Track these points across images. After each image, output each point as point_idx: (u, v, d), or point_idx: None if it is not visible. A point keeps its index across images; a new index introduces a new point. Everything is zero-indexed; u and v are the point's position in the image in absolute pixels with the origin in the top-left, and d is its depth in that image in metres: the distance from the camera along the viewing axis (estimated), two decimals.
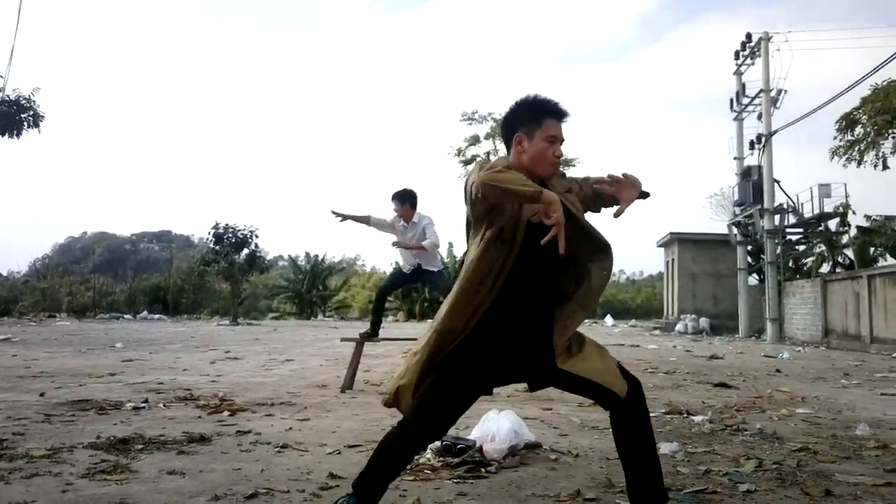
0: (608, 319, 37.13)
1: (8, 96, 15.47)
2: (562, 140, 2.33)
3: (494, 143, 29.66)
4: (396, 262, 6.60)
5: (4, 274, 48.69)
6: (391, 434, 2.30)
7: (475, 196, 2.12)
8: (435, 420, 2.27)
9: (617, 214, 2.34)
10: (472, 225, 2.28)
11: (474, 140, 29.83)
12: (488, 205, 2.16)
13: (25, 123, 15.68)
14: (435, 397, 2.25)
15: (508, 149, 2.38)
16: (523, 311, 2.27)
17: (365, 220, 6.43)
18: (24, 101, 15.55)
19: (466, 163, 29.84)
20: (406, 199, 6.24)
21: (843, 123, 23.48)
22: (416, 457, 2.62)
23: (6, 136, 15.61)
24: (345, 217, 6.36)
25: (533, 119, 2.30)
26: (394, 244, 6.38)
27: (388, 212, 6.45)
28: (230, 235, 30.63)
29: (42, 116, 15.81)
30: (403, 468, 2.36)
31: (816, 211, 21.59)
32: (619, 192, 2.39)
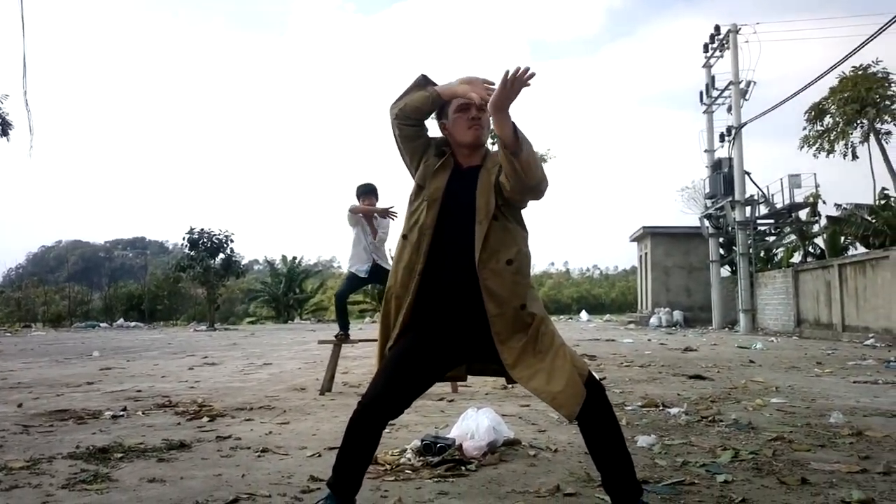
0: (583, 315, 37.49)
1: None
2: (478, 106, 2.35)
3: None
4: (349, 268, 6.66)
5: None
6: (353, 414, 2.34)
7: (395, 136, 2.44)
8: (388, 389, 2.31)
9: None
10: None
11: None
12: (407, 140, 2.42)
13: None
14: (387, 367, 2.36)
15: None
16: (456, 272, 2.33)
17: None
18: None
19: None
20: (370, 192, 6.47)
21: (813, 113, 23.98)
22: (395, 452, 2.63)
23: None
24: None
25: (445, 103, 2.44)
26: (352, 209, 6.44)
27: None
28: (205, 240, 30.35)
29: (10, 125, 15.56)
30: (371, 451, 2.34)
31: (787, 201, 21.99)
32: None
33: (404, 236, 2.40)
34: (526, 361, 2.28)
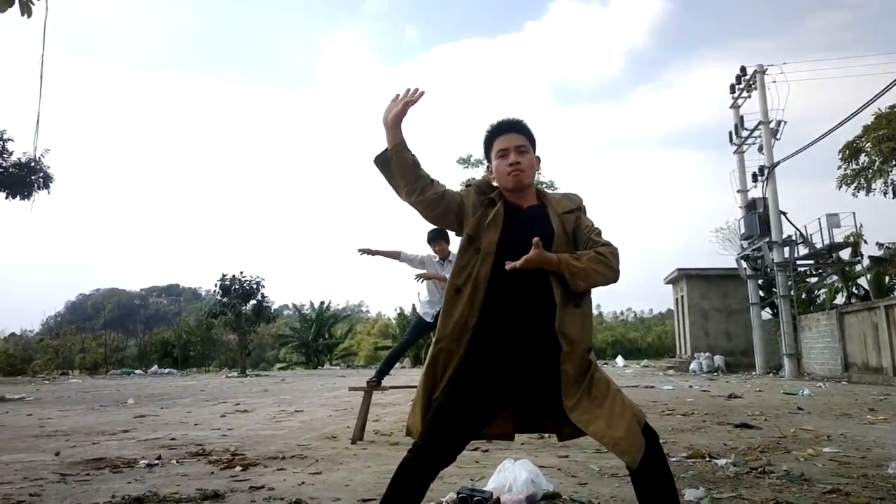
0: (619, 360, 36.74)
1: (19, 159, 15.74)
2: (518, 149, 2.41)
3: (493, 184, 30.01)
4: (415, 312, 6.59)
5: (18, 333, 48.88)
6: (404, 460, 2.27)
7: (427, 218, 2.48)
8: (443, 440, 2.26)
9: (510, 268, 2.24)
10: None
11: (469, 183, 30.10)
12: (435, 208, 2.40)
13: (35, 185, 15.90)
14: (441, 416, 2.28)
15: None
16: (514, 324, 2.29)
17: (395, 256, 6.52)
18: (34, 164, 15.81)
19: None
20: (439, 236, 6.37)
21: (847, 152, 23.58)
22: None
23: (17, 198, 15.83)
24: (374, 253, 6.40)
25: (487, 147, 2.50)
26: (418, 276, 6.43)
27: (417, 249, 6.61)
28: (237, 287, 30.72)
29: (52, 178, 16.05)
30: (420, 496, 2.25)
31: (826, 241, 21.49)
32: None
33: (458, 289, 2.32)
34: (583, 406, 2.22)
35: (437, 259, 6.42)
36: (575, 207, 2.46)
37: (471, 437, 2.33)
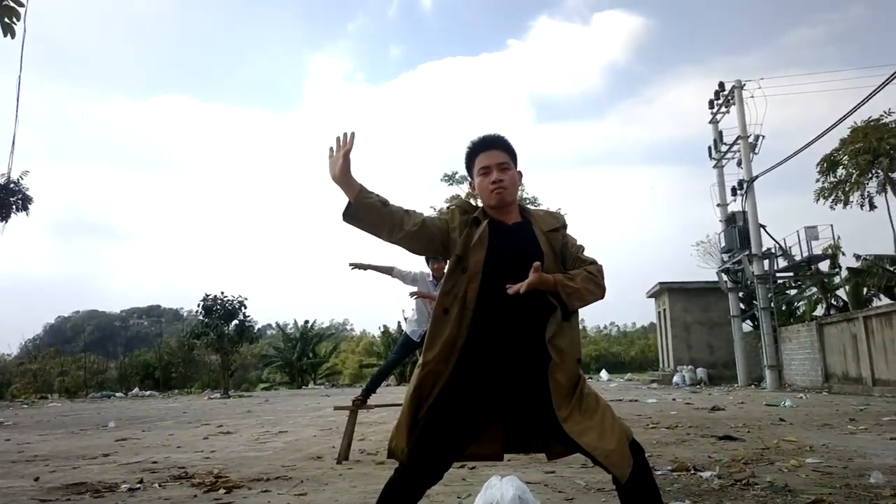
0: (603, 374, 36.84)
1: None
2: (499, 166, 2.42)
3: (476, 202, 30.14)
4: (401, 330, 6.62)
5: None
6: (390, 480, 2.27)
7: (415, 252, 2.53)
8: (430, 459, 2.25)
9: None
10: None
11: (451, 204, 30.30)
12: (421, 241, 2.41)
13: (14, 207, 15.74)
14: (427, 435, 2.27)
15: None
16: (504, 340, 2.30)
17: (387, 271, 6.50)
18: (12, 185, 15.65)
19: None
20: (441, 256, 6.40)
21: (825, 165, 23.99)
22: None
23: None
24: (366, 267, 6.37)
25: (469, 164, 2.52)
26: (412, 294, 6.43)
27: (412, 266, 6.63)
28: (219, 307, 30.43)
29: (31, 199, 15.90)
30: None
31: (805, 254, 21.80)
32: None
33: (445, 310, 2.33)
34: (575, 417, 2.24)
35: (431, 278, 6.43)
36: (560, 226, 2.48)
37: (457, 455, 2.33)
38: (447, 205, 30.09)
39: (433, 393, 2.32)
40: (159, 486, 4.99)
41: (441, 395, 2.31)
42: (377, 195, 2.35)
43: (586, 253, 2.46)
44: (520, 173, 2.54)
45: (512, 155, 2.49)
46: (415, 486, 2.24)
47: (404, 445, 2.32)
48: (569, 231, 2.51)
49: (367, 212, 2.32)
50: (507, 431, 2.47)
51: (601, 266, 2.41)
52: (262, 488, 4.78)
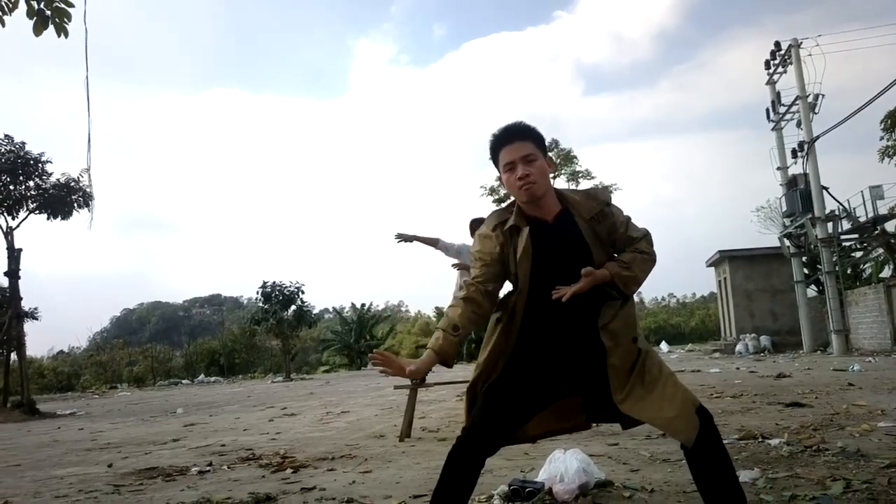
0: (663, 346, 36.16)
1: (58, 180, 16.14)
2: (525, 159, 2.28)
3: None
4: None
5: (66, 350, 50.24)
6: (452, 448, 2.28)
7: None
8: (490, 422, 2.26)
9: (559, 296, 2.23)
10: None
11: (479, 224, 30.07)
12: (497, 273, 2.38)
13: (75, 204, 16.28)
14: (487, 401, 2.30)
15: None
16: (556, 334, 2.31)
17: (433, 243, 6.49)
18: (72, 184, 16.19)
19: (500, 201, 29.88)
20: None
21: (889, 122, 22.84)
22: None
23: (58, 218, 16.23)
24: (411, 238, 6.39)
25: (494, 159, 2.38)
26: (454, 266, 6.44)
27: (454, 239, 6.59)
28: (277, 293, 31.10)
29: (92, 197, 16.37)
30: (469, 490, 2.25)
31: (870, 214, 20.88)
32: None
33: (498, 320, 2.35)
34: (636, 394, 2.22)
35: None
36: (602, 205, 2.34)
37: (516, 422, 2.32)
38: (498, 183, 29.84)
39: (491, 377, 2.36)
40: (228, 467, 5.15)
41: (503, 368, 2.35)
42: (444, 334, 2.29)
43: (634, 222, 2.38)
44: (551, 160, 2.41)
45: (538, 142, 2.34)
46: (475, 452, 2.24)
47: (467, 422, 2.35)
48: (613, 204, 2.39)
49: (455, 348, 2.30)
50: (585, 402, 2.47)
51: (649, 234, 2.36)
52: (328, 467, 4.87)
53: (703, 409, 2.20)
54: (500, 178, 2.42)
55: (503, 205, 2.49)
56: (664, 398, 2.18)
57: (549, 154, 2.44)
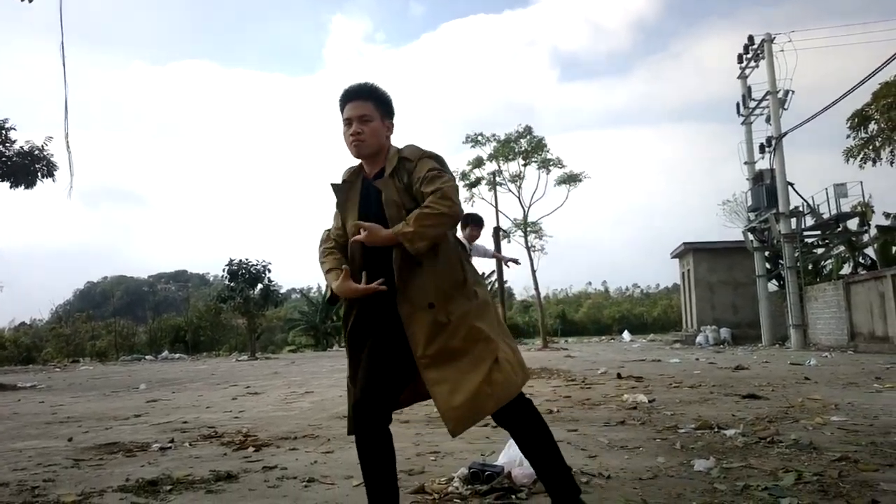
0: (625, 335, 36.79)
1: (21, 147, 15.66)
2: (361, 118, 2.42)
3: (498, 163, 29.66)
4: None
5: (27, 322, 49.20)
6: (349, 432, 2.44)
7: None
8: (355, 393, 2.40)
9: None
10: None
11: (478, 162, 29.78)
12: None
13: (39, 173, 15.83)
14: (354, 375, 2.48)
15: None
16: (379, 299, 2.37)
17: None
18: (37, 152, 15.73)
19: (471, 185, 29.79)
20: (469, 221, 6.72)
21: (856, 120, 23.33)
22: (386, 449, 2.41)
23: (21, 186, 15.79)
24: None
25: (341, 112, 2.50)
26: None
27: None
28: (244, 271, 30.79)
29: (56, 166, 15.94)
30: (388, 464, 2.37)
31: (833, 212, 21.38)
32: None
33: (352, 274, 2.45)
34: (438, 366, 2.28)
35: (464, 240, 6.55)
36: (404, 163, 2.42)
37: (372, 385, 2.36)
38: (470, 167, 29.82)
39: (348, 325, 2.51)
40: (190, 445, 5.12)
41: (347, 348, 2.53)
42: (324, 257, 2.57)
43: (439, 176, 2.33)
44: (391, 124, 2.51)
45: (380, 104, 2.46)
46: (356, 424, 2.36)
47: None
48: (426, 159, 2.40)
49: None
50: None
51: (447, 187, 2.28)
52: (290, 446, 4.87)
53: (522, 397, 2.43)
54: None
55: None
56: (460, 382, 2.25)
57: (393, 119, 2.54)
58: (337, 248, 2.56)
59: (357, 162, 2.56)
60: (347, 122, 2.45)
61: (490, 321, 2.38)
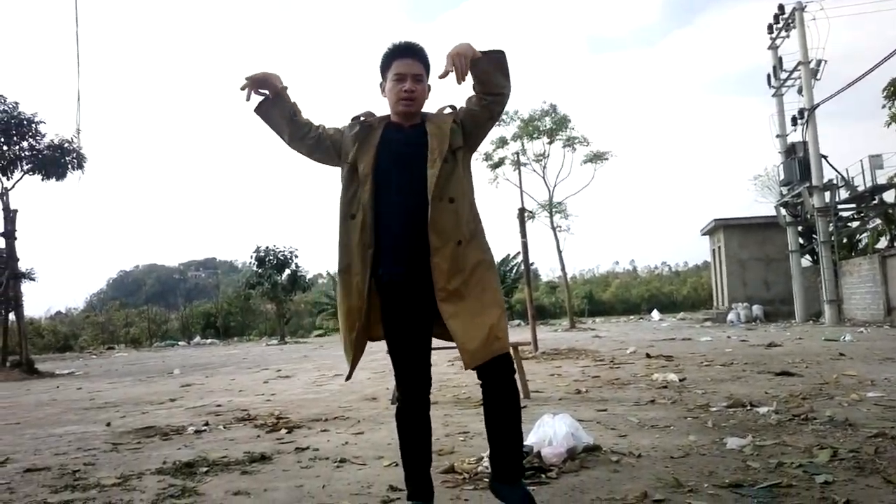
0: (654, 314, 36.42)
1: (52, 140, 15.94)
2: (415, 77, 2.46)
3: (522, 143, 29.35)
4: None
5: (63, 311, 50.36)
6: (396, 413, 2.58)
7: (313, 159, 2.64)
8: (405, 372, 2.53)
9: (443, 75, 2.33)
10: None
11: (502, 142, 29.43)
12: (318, 151, 2.58)
13: (69, 166, 16.09)
14: (393, 357, 2.56)
15: None
16: (400, 240, 2.42)
17: None
18: (66, 145, 16.00)
19: (495, 166, 29.45)
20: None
21: (892, 90, 22.67)
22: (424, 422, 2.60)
23: (53, 179, 16.08)
24: None
25: (385, 65, 2.51)
26: None
27: None
28: (271, 258, 31.09)
29: (85, 158, 16.19)
30: (423, 441, 2.55)
31: (869, 184, 20.84)
32: (459, 69, 2.34)
33: (352, 216, 2.44)
34: (454, 301, 2.36)
35: None
36: (451, 111, 2.52)
37: (420, 357, 2.53)
38: (494, 147, 29.49)
39: (360, 302, 2.45)
40: (224, 427, 5.22)
41: (385, 324, 2.52)
42: (294, 105, 2.54)
43: None
44: (429, 87, 2.55)
45: (427, 67, 2.52)
46: (408, 404, 2.55)
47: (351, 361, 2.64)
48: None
49: (278, 114, 2.53)
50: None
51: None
52: (322, 428, 4.94)
53: (507, 356, 2.42)
54: (381, 87, 2.56)
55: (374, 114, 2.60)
56: (473, 325, 2.33)
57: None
58: (315, 132, 2.56)
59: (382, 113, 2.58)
60: (400, 78, 2.45)
61: (497, 280, 2.51)
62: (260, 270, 31.31)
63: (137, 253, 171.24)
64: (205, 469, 3.65)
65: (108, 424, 5.76)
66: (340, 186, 2.51)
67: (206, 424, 5.35)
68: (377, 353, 15.34)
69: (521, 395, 5.79)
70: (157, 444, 4.66)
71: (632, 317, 40.75)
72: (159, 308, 49.04)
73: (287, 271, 31.65)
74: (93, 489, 3.35)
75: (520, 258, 28.37)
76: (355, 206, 2.44)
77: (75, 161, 16.18)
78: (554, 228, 29.37)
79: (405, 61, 2.45)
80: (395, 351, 2.54)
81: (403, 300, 2.46)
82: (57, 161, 15.96)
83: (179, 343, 34.47)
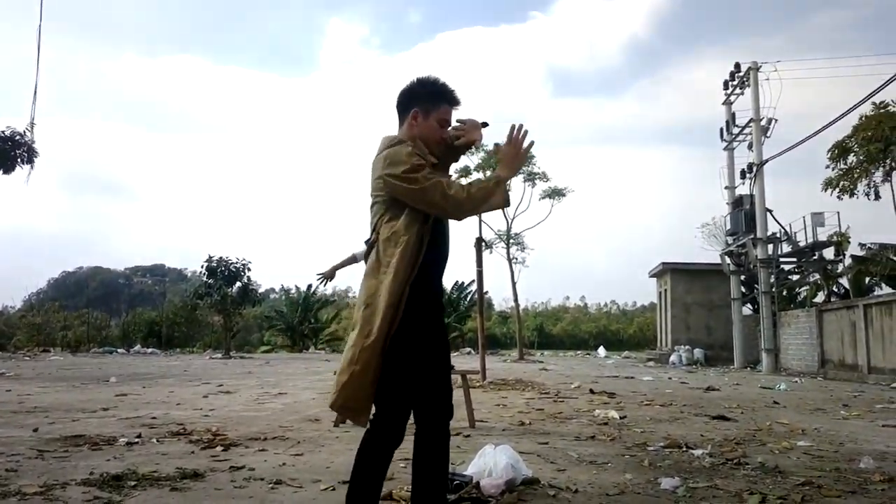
0: (601, 351, 36.96)
1: (3, 132, 15.43)
2: (450, 124, 2.55)
3: (485, 174, 29.72)
4: None
5: None
6: (366, 436, 2.37)
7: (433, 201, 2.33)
8: (402, 405, 2.38)
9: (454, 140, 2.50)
10: (384, 207, 2.40)
11: (465, 172, 29.88)
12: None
13: (19, 159, 15.58)
14: (397, 383, 2.32)
15: (402, 117, 2.54)
16: (437, 277, 2.50)
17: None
18: (18, 137, 15.49)
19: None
20: None
21: (836, 152, 23.74)
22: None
23: (0, 171, 15.53)
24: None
25: (431, 100, 2.49)
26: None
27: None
28: (223, 269, 30.53)
29: (36, 153, 15.70)
30: (384, 473, 2.39)
31: (810, 240, 21.71)
32: (467, 134, 2.52)
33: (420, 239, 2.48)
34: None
35: None
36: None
37: (421, 395, 2.44)
38: (457, 176, 29.67)
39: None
40: (157, 441, 5.06)
41: (396, 336, 2.31)
42: (349, 259, 2.65)
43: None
44: None
45: None
46: (389, 437, 2.36)
47: (368, 390, 2.31)
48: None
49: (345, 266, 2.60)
50: None
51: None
52: (259, 447, 4.84)
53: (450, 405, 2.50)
54: (415, 117, 2.47)
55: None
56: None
57: None
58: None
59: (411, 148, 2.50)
60: (443, 123, 2.51)
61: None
62: (210, 281, 30.68)
63: (82, 254, 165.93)
64: (133, 483, 3.53)
65: (36, 430, 5.54)
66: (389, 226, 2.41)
67: (139, 437, 5.19)
68: (325, 374, 15.16)
69: (468, 424, 5.82)
70: (86, 453, 4.50)
71: (579, 352, 41.18)
72: (101, 312, 47.51)
73: (238, 284, 31.10)
74: (13, 497, 3.21)
75: (474, 287, 28.63)
76: (417, 245, 2.41)
77: (25, 155, 15.67)
78: (510, 260, 29.68)
79: (454, 109, 2.54)
80: (412, 373, 2.37)
81: (432, 319, 2.49)
82: (6, 154, 15.43)
83: (118, 350, 33.38)
